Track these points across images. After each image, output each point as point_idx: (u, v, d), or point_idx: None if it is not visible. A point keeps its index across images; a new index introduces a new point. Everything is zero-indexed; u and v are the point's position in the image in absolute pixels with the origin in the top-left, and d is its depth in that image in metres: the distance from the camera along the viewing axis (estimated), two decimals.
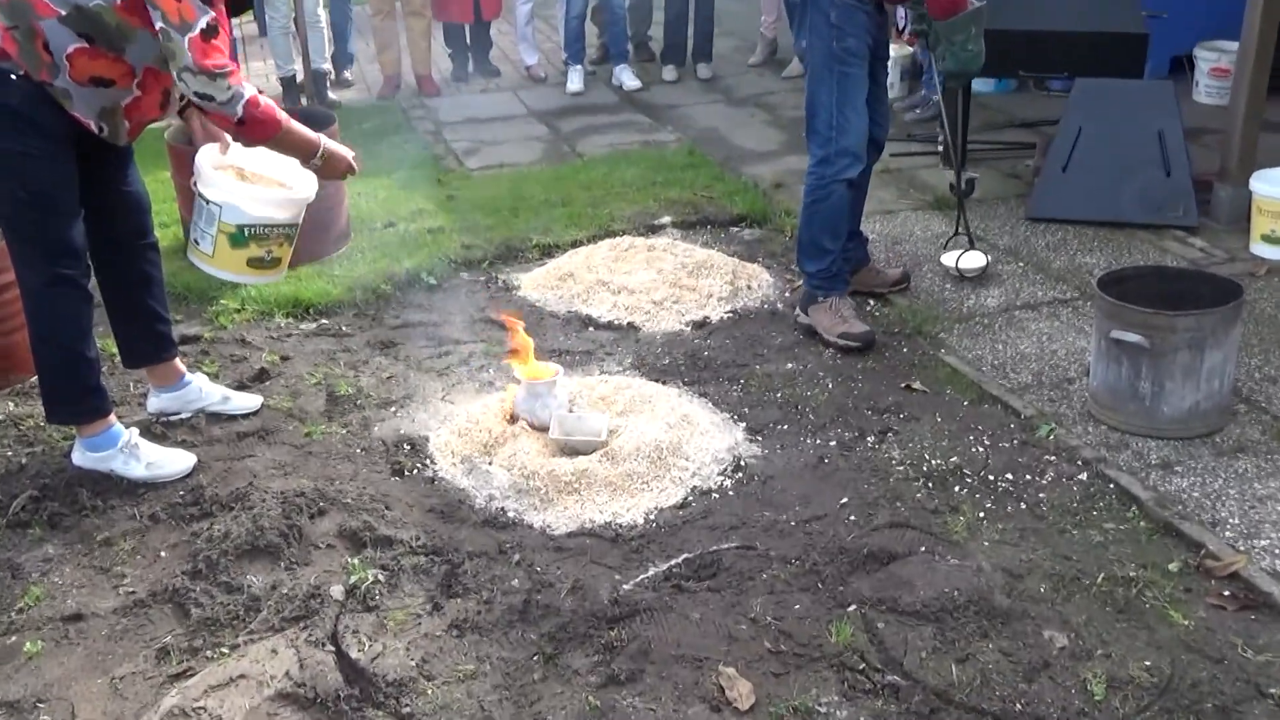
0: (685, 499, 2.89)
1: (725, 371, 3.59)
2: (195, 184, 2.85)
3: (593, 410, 3.24)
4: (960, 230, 3.85)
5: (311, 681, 2.25)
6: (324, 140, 2.83)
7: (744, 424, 3.27)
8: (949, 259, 3.44)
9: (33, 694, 2.27)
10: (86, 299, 2.78)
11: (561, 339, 3.89)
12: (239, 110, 2.58)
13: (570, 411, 3.24)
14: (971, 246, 3.34)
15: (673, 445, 3.03)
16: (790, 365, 3.54)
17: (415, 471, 3.04)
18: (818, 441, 3.15)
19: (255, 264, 2.90)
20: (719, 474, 3.00)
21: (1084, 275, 4.08)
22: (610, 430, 3.11)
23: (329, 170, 2.89)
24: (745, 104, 6.47)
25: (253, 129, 2.63)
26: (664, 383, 3.48)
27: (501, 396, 3.36)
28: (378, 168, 5.58)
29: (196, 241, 2.89)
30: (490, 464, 3.03)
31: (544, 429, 3.13)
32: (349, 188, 4.91)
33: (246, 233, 2.84)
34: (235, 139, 2.83)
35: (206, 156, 2.90)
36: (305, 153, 2.82)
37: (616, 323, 4.00)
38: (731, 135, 5.93)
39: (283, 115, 2.70)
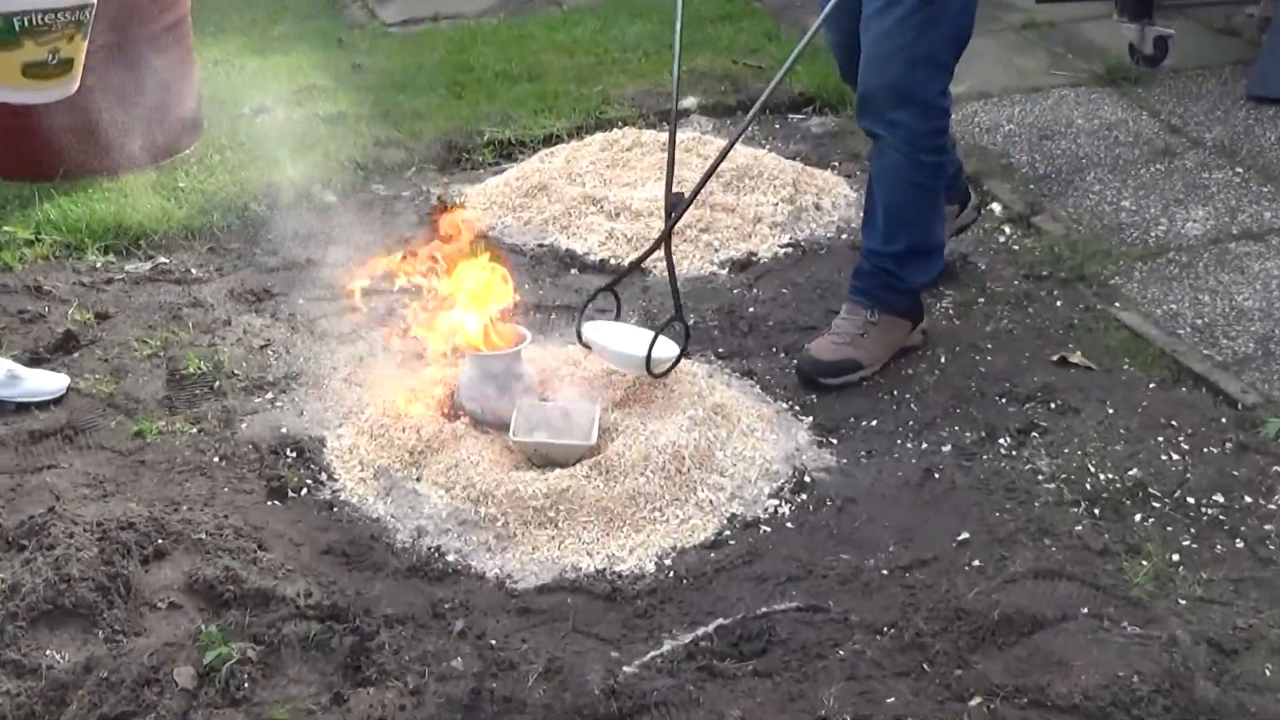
0: (719, 534, 2.89)
1: (780, 338, 3.59)
2: None
3: (576, 398, 3.24)
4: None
5: None
6: None
7: (810, 419, 3.27)
8: (600, 336, 3.34)
9: None
10: None
11: (530, 287, 3.88)
12: None
13: (542, 400, 3.24)
14: (678, 320, 3.29)
15: (699, 452, 3.03)
16: None
17: (304, 492, 3.04)
18: (923, 446, 3.14)
19: (35, 71, 2.93)
20: (771, 496, 3.00)
21: None
22: (603, 429, 3.12)
23: None
24: None
25: None
26: (687, 355, 3.48)
27: (437, 377, 3.36)
28: (243, 19, 5.56)
29: None
30: (419, 480, 3.04)
31: (502, 426, 3.14)
32: (201, 53, 4.91)
33: (17, 25, 2.86)
34: None
35: None
36: None
37: (613, 262, 3.99)
38: None
39: None
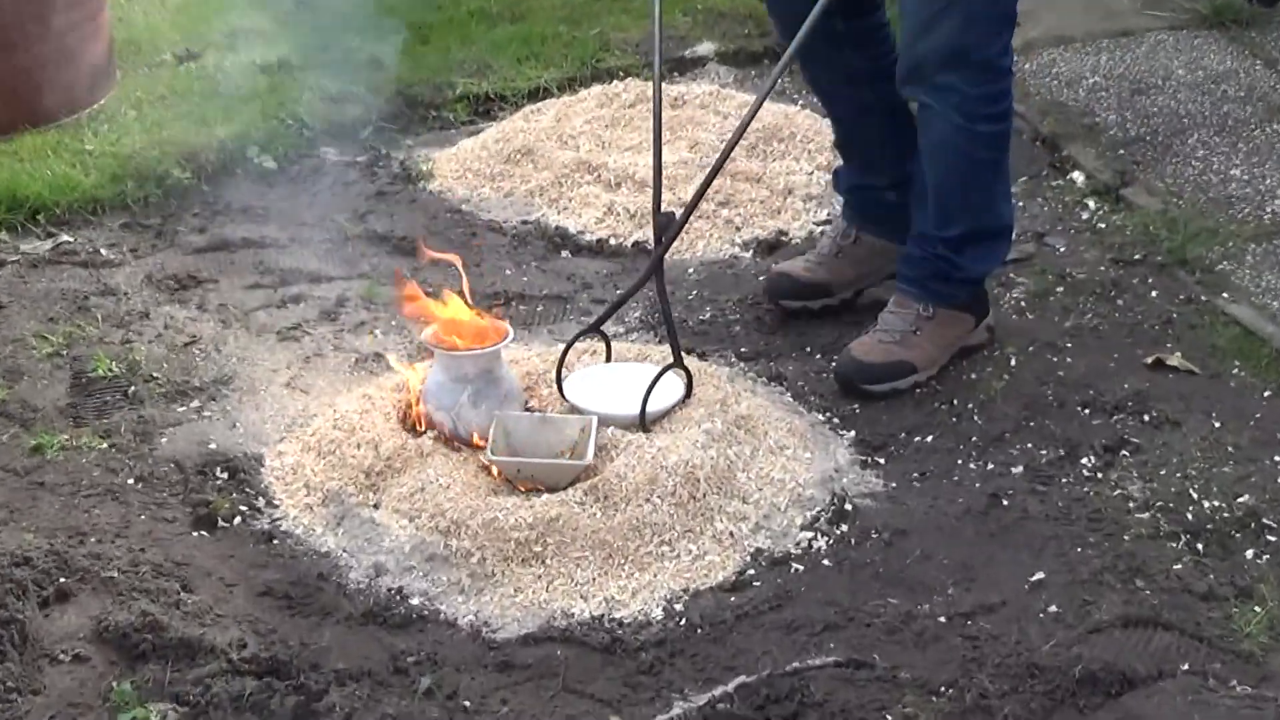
0: (741, 573, 2.89)
1: (816, 335, 3.58)
2: None
3: (567, 410, 3.25)
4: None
5: None
6: None
7: (851, 434, 3.27)
8: (584, 393, 3.33)
9: None
10: None
11: (511, 273, 3.87)
12: None
13: (527, 410, 3.25)
14: (676, 365, 3.28)
15: (718, 474, 3.03)
16: None
17: (237, 521, 3.04)
18: (988, 467, 3.14)
19: None
20: (804, 527, 3.00)
21: None
22: (600, 445, 3.12)
23: None
24: None
25: None
26: (702, 356, 3.46)
27: (398, 381, 3.36)
28: None
29: None
30: (377, 507, 3.04)
31: (474, 443, 3.15)
32: None
33: None
34: None
35: None
36: None
37: (614, 243, 4.00)
38: None
39: None
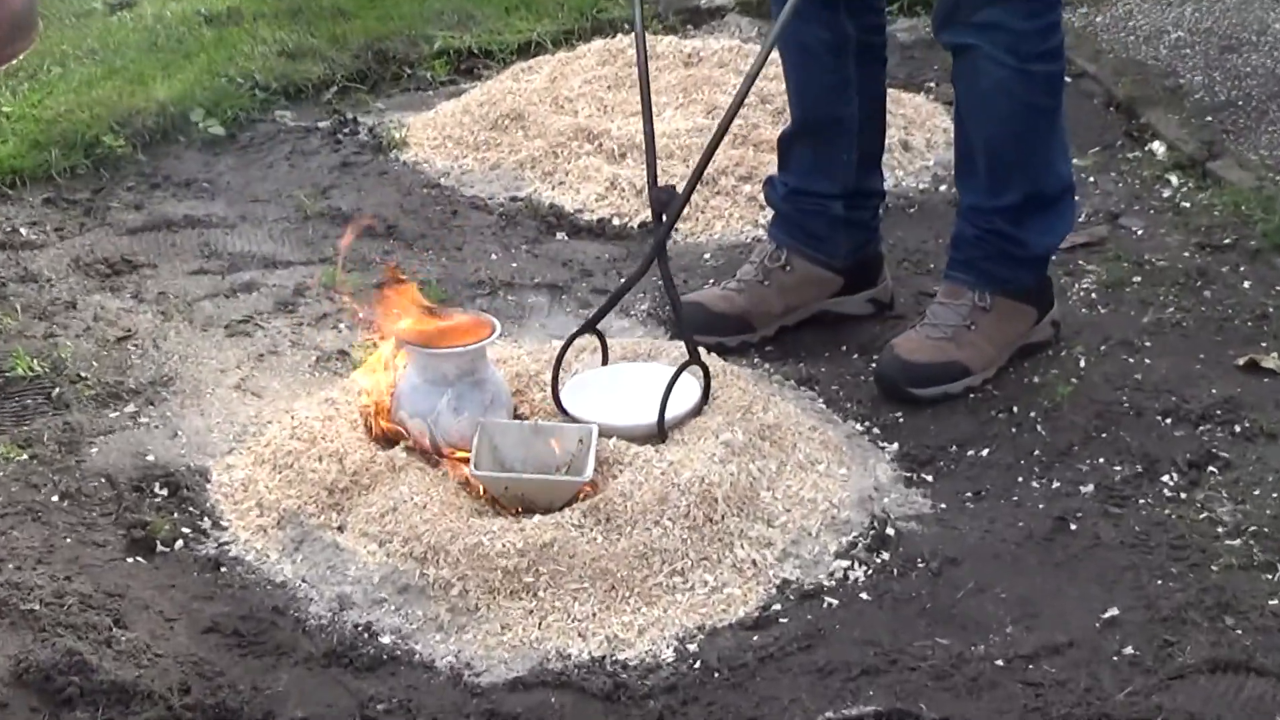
0: (766, 608, 2.89)
1: (853, 332, 3.59)
2: None
3: (562, 416, 3.25)
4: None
5: None
6: None
7: (894, 447, 3.28)
8: (585, 403, 3.33)
9: None
10: None
11: (497, 257, 3.88)
12: None
13: (516, 418, 3.25)
14: (693, 362, 3.28)
15: (739, 492, 3.03)
16: None
17: (179, 545, 3.05)
18: (1054, 485, 3.15)
19: None
20: (840, 554, 3.00)
21: None
22: (601, 459, 3.12)
23: None
24: None
25: None
26: (721, 355, 3.48)
27: (365, 385, 3.36)
28: None
29: None
30: (341, 530, 3.04)
31: (455, 456, 3.15)
32: None
33: None
34: None
35: None
36: None
37: (617, 223, 4.02)
38: None
39: None
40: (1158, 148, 4.16)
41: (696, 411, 3.23)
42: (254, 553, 3.03)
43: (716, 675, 2.75)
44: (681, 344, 3.30)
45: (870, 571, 2.96)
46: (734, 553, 2.96)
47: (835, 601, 2.90)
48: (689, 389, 3.24)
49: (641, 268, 3.30)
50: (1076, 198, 3.64)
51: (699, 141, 4.14)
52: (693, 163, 4.03)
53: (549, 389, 3.30)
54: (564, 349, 3.30)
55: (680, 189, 3.28)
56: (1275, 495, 3.06)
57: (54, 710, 2.66)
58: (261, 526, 3.07)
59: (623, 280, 3.53)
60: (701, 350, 3.28)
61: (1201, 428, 3.25)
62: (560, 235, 3.96)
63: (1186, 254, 3.77)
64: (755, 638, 2.82)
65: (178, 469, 3.20)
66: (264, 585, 2.95)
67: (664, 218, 3.24)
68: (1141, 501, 3.08)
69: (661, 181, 3.29)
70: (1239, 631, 2.77)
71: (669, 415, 3.15)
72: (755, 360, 3.49)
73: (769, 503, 3.05)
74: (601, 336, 3.38)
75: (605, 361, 3.39)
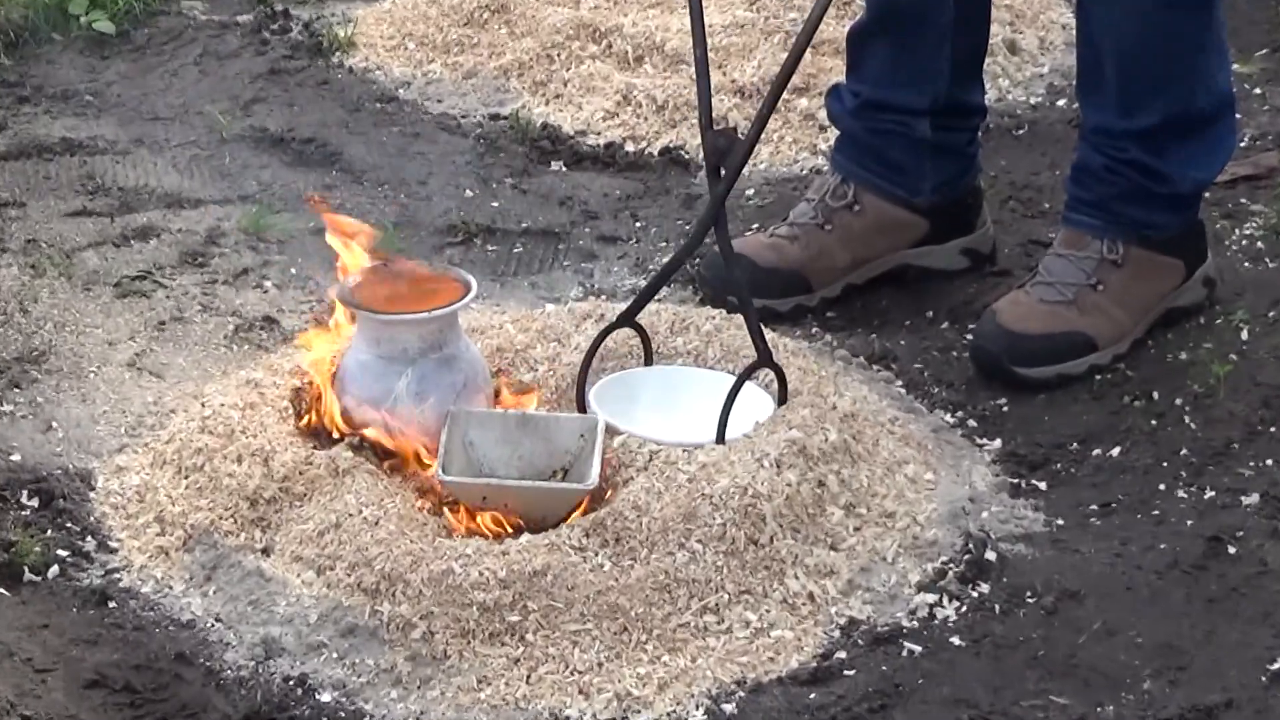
0: (827, 655, 2.90)
1: (944, 295, 3.63)
2: None
3: (561, 402, 3.27)
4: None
5: None
6: None
7: (996, 444, 3.31)
8: (620, 409, 3.34)
9: None
10: None
11: (472, 195, 3.92)
12: None
13: (498, 406, 3.27)
14: (764, 365, 3.28)
15: (794, 505, 3.04)
16: None
17: (54, 572, 3.06)
18: (1207, 495, 3.16)
19: None
20: (924, 586, 3.03)
21: None
22: (609, 460, 3.15)
23: None
24: None
25: None
26: (771, 326, 3.48)
27: (300, 360, 3.38)
28: None
29: None
30: (266, 553, 3.06)
31: (416, 456, 3.17)
32: None
33: None
34: None
35: None
36: None
37: (631, 149, 4.06)
38: None
39: None
40: None
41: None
42: (152, 583, 3.04)
43: None
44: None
45: (964, 608, 2.98)
46: (785, 584, 2.97)
47: (918, 648, 2.91)
48: (758, 401, 3.23)
49: (697, 235, 3.30)
50: (1237, 116, 3.63)
51: (739, 42, 4.14)
52: (734, 72, 4.04)
53: (538, 370, 3.31)
54: (594, 348, 3.30)
55: (742, 132, 3.28)
56: None
57: None
58: (162, 548, 3.09)
59: (669, 258, 3.46)
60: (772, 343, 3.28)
61: None
62: (556, 165, 3.96)
63: None
64: (812, 695, 2.83)
65: (51, 472, 3.22)
66: (165, 625, 2.97)
67: (722, 171, 3.23)
68: None
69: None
70: None
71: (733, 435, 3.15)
72: (813, 330, 3.50)
73: (833, 519, 3.06)
74: (643, 332, 3.37)
75: (649, 361, 3.39)
